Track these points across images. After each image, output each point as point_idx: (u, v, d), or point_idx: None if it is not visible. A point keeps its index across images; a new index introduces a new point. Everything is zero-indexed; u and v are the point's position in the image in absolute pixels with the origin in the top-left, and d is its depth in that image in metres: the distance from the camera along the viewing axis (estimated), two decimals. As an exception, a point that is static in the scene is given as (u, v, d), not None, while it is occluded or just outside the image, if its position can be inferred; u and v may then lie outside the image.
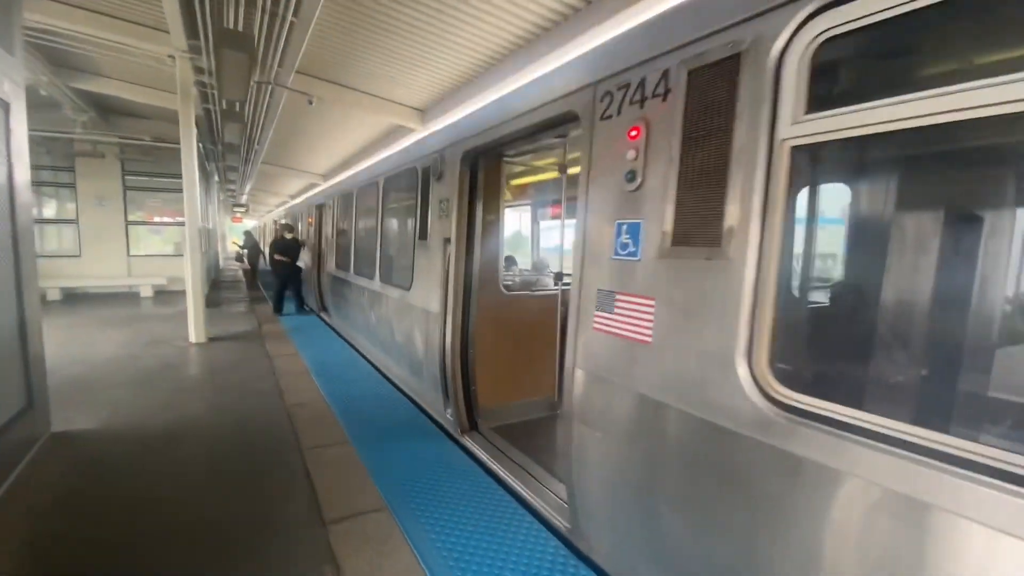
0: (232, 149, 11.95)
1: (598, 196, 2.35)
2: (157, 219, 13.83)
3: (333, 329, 8.72)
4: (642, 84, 2.11)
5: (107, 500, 3.09)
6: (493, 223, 4.05)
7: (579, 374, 2.43)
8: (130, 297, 12.21)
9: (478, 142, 3.63)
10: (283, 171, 18.09)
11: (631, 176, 2.12)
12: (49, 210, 12.86)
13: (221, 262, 22.07)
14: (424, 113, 9.09)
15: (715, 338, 1.78)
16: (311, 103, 8.12)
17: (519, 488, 3.18)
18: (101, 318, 9.41)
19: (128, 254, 12.88)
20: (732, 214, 1.73)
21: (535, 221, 8.59)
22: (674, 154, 1.95)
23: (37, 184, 12.23)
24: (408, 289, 4.89)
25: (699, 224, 1.84)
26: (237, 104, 8.21)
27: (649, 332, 2.03)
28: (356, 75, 8.13)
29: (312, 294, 10.88)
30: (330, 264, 8.53)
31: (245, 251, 18.18)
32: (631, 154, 2.12)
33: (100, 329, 8.32)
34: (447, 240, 4.00)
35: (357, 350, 7.06)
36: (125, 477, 3.38)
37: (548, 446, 3.82)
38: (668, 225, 1.96)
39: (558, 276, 4.48)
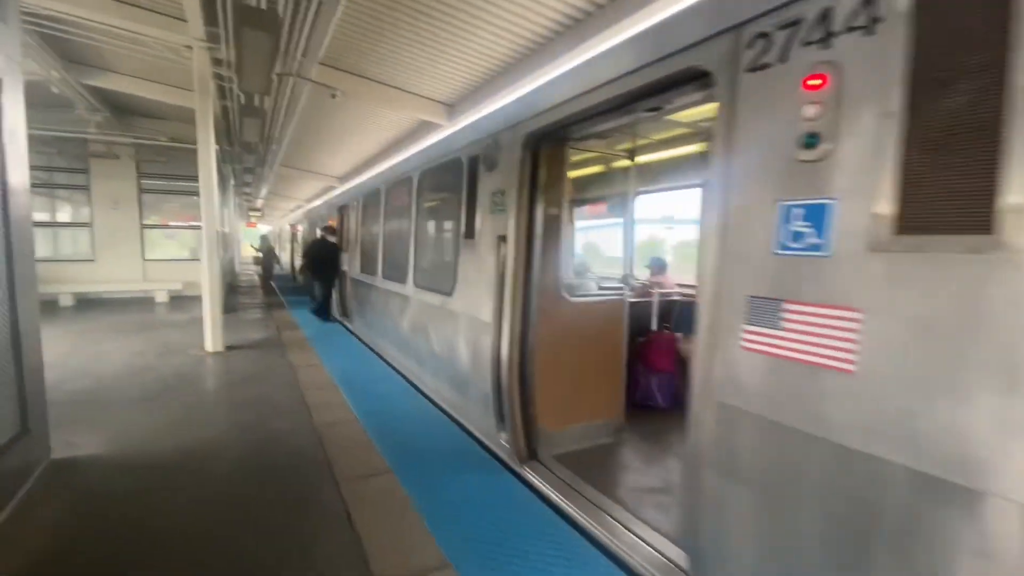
0: (250, 149, 11.56)
1: (745, 171, 1.78)
2: (173, 223, 13.48)
3: (357, 337, 8.21)
4: (826, 17, 1.55)
5: (112, 541, 2.57)
6: (555, 218, 3.49)
7: (715, 408, 1.86)
8: (145, 302, 11.83)
9: (546, 121, 3.09)
10: (299, 174, 17.74)
11: (810, 140, 1.55)
12: (64, 213, 12.57)
13: (237, 266, 21.77)
14: (451, 108, 8.59)
15: (982, 366, 1.20)
16: (335, 97, 7.65)
17: (605, 537, 2.60)
18: (114, 325, 9.00)
19: (143, 258, 12.52)
20: (1017, 185, 1.16)
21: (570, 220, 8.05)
22: (895, 106, 1.37)
23: (50, 186, 11.94)
24: (450, 294, 4.35)
25: (951, 202, 1.27)
26: (257, 98, 7.77)
27: (852, 357, 1.45)
28: (381, 67, 7.65)
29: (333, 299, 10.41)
30: (354, 268, 8.03)
31: (261, 255, 17.79)
32: (811, 111, 1.55)
33: (112, 337, 7.89)
34: (502, 238, 3.46)
35: (385, 360, 6.54)
36: (132, 514, 2.86)
37: (627, 482, 3.25)
38: (888, 205, 1.38)
39: (624, 280, 3.91)
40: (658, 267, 6.03)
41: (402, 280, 5.69)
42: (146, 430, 4.10)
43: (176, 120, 11.75)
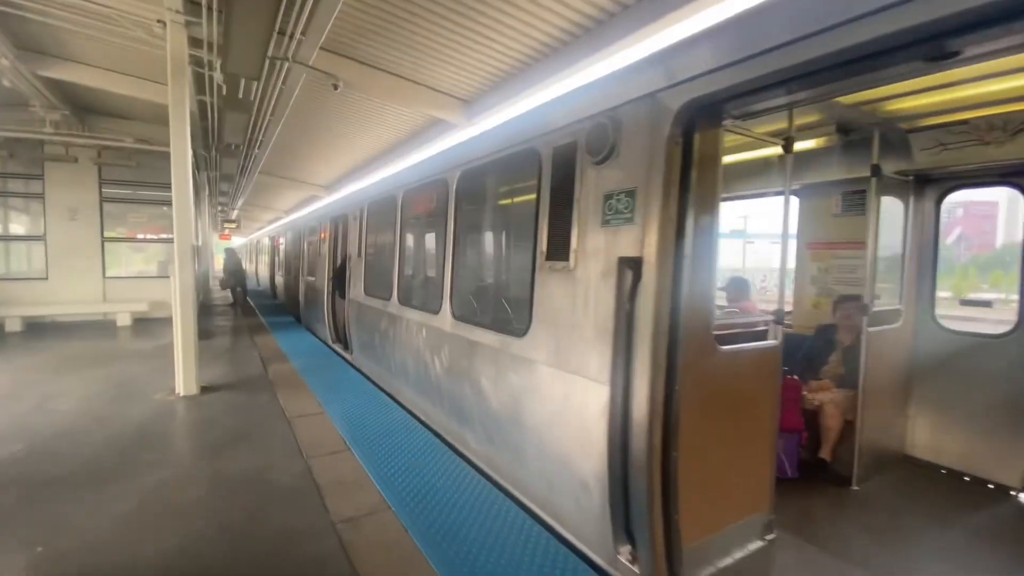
0: (229, 152, 10.27)
1: None
2: (140, 236, 12.00)
3: (357, 370, 6.97)
4: None
5: None
6: (707, 230, 2.39)
7: None
8: (104, 327, 10.33)
9: (721, 84, 2.02)
10: (281, 183, 16.42)
11: None
12: (16, 224, 11.03)
13: (211, 282, 20.13)
14: (469, 105, 7.50)
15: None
16: (336, 88, 6.49)
17: None
18: (65, 357, 7.55)
19: (104, 275, 11.02)
20: None
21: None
22: None
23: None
24: (520, 336, 3.21)
25: None
26: (242, 88, 6.55)
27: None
28: (391, 55, 6.55)
29: (321, 323, 9.11)
30: (357, 289, 6.79)
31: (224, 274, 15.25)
32: None
33: (61, 374, 6.48)
34: (627, 262, 2.35)
35: (400, 403, 5.34)
36: None
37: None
38: None
39: (777, 317, 2.83)
40: (738, 290, 4.99)
41: (432, 309, 4.52)
42: (87, 538, 2.82)
43: (146, 121, 10.44)
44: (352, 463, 3.85)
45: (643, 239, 2.32)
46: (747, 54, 1.98)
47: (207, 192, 16.45)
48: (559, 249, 2.88)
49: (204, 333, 9.33)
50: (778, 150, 3.09)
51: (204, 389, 5.78)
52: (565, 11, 5.25)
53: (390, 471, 3.70)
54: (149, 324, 10.63)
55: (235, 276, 14.43)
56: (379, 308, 5.90)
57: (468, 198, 4.23)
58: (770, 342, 2.83)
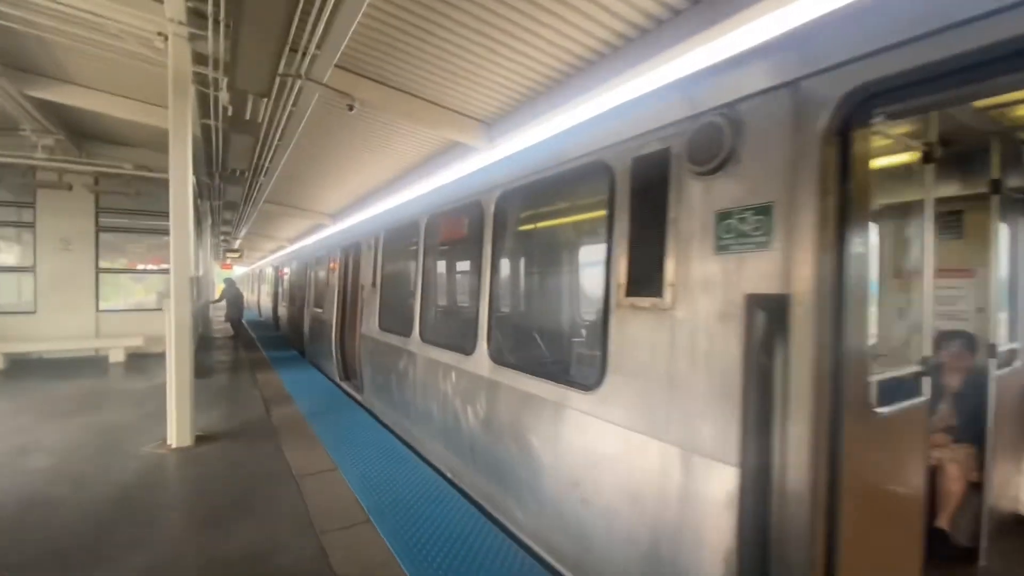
0: (234, 180, 9.81)
1: None
2: (139, 266, 11.47)
3: (369, 412, 6.32)
4: None
5: None
6: (863, 256, 1.81)
7: None
8: (96, 364, 9.68)
9: (908, 63, 1.50)
10: (285, 211, 15.99)
11: None
12: (6, 255, 10.48)
13: (212, 313, 19.52)
14: (490, 127, 7.05)
15: None
16: (352, 109, 6.03)
17: None
18: (50, 399, 6.90)
19: (97, 309, 10.42)
20: None
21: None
22: None
23: (-11, 224, 9.92)
24: (589, 390, 2.61)
25: None
26: (249, 109, 6.10)
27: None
28: (408, 75, 6.12)
29: (328, 359, 8.48)
30: (371, 324, 6.18)
31: (222, 303, 13.96)
32: None
33: (41, 420, 5.83)
34: (760, 300, 1.78)
35: (421, 455, 4.69)
36: None
37: None
38: None
39: (926, 366, 2.24)
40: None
41: (464, 349, 3.92)
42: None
43: (146, 147, 10.02)
44: (374, 540, 3.19)
45: (787, 269, 1.75)
46: (942, 24, 1.45)
47: (210, 221, 16.02)
48: (646, 282, 2.30)
49: (202, 370, 8.70)
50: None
51: (200, 439, 5.12)
52: (607, 20, 4.81)
53: (420, 550, 3.04)
54: (144, 360, 9.98)
55: (235, 308, 13.73)
56: (397, 345, 5.29)
57: (509, 222, 3.70)
58: (920, 398, 2.23)
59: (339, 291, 8.12)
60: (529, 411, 3.09)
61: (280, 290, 16.01)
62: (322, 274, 9.37)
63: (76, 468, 4.39)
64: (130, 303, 11.28)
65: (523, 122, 6.67)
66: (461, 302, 4.80)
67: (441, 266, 5.18)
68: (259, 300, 23.63)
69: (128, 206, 10.54)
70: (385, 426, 5.74)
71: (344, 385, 7.83)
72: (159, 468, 4.45)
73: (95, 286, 10.44)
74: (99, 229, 10.54)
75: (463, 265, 4.69)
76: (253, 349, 12.14)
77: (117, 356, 9.97)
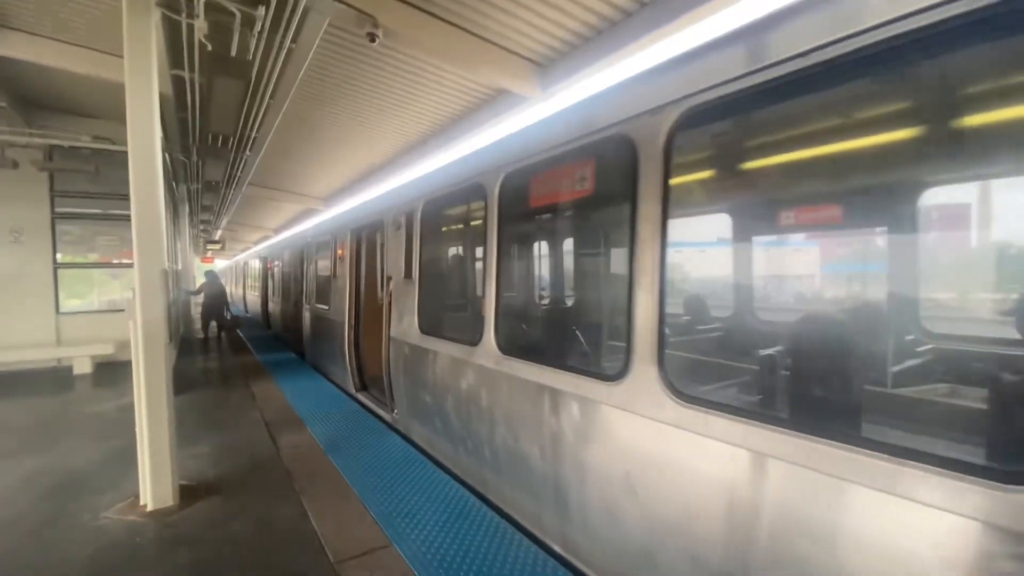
0: (215, 153, 8.21)
1: None
2: (110, 260, 9.81)
3: (402, 435, 4.94)
4: None
5: None
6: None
7: None
8: (56, 377, 8.10)
9: None
10: (273, 195, 14.34)
11: None
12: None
13: (193, 311, 17.82)
14: (545, 71, 5.58)
15: None
16: (374, 39, 4.53)
17: None
18: (-14, 431, 5.39)
19: (57, 311, 8.80)
20: None
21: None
22: None
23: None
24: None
25: None
26: (236, 38, 4.55)
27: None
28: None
29: (339, 365, 7.04)
30: (406, 325, 4.74)
31: (199, 298, 12.36)
32: None
33: (-34, 468, 4.33)
34: None
35: (503, 512, 3.34)
36: None
37: None
38: None
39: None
40: None
41: (594, 371, 2.54)
42: None
43: (107, 118, 8.38)
44: None
45: None
46: None
47: (188, 208, 14.30)
48: None
49: (184, 383, 7.20)
50: None
51: (186, 493, 3.68)
52: None
53: None
54: (116, 370, 8.41)
55: (213, 302, 12.04)
56: (453, 356, 3.87)
57: (673, 172, 2.29)
58: None
59: (351, 283, 6.65)
60: (654, 453, 1.89)
61: (271, 284, 14.38)
62: (326, 263, 7.86)
63: (4, 556, 2.93)
64: (100, 303, 9.66)
65: (581, 66, 5.22)
66: (579, 297, 3.48)
67: (527, 245, 3.79)
68: (244, 295, 21.86)
69: (90, 188, 8.89)
70: (429, 457, 4.36)
71: (362, 398, 6.40)
72: (125, 551, 3.00)
73: (54, 285, 8.79)
74: (56, 217, 8.86)
75: (579, 243, 3.34)
76: (243, 352, 10.60)
77: (83, 367, 8.39)
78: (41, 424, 5.69)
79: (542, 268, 4.92)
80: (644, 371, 2.20)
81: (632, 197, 2.25)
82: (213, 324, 12.05)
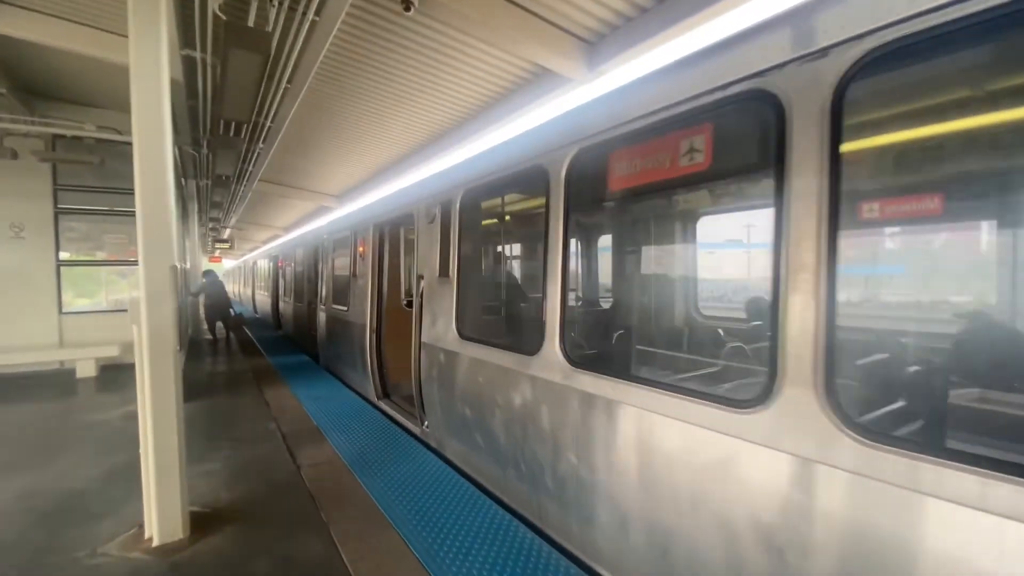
0: (226, 145, 7.75)
1: None
2: (114, 258, 9.36)
3: (427, 446, 4.45)
4: None
5: None
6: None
7: None
8: (59, 381, 7.66)
9: None
10: (284, 192, 13.91)
11: None
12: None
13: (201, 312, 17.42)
14: (593, 48, 5.06)
15: None
16: (409, 7, 4.04)
17: None
18: (-21, 442, 4.93)
19: (59, 311, 8.37)
20: None
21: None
22: None
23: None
24: None
25: None
26: (254, 8, 4.07)
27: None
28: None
29: (359, 371, 6.56)
30: (441, 329, 4.22)
31: (199, 299, 11.81)
32: None
33: (-48, 487, 3.87)
34: None
35: (558, 544, 2.83)
36: None
37: None
38: None
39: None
40: None
41: (647, 377, 2.04)
42: None
43: (115, 108, 7.95)
44: None
45: None
46: None
47: (196, 206, 13.89)
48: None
49: (193, 388, 6.75)
50: None
51: (196, 524, 3.19)
52: None
53: None
54: (121, 374, 7.96)
55: (218, 307, 11.55)
56: (502, 366, 3.35)
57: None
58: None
59: (374, 283, 6.16)
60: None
61: (282, 284, 13.93)
62: (343, 261, 7.38)
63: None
64: (109, 302, 9.21)
65: (634, 41, 4.70)
66: (685, 301, 2.96)
67: (616, 237, 3.27)
68: (254, 295, 21.44)
69: (95, 182, 8.45)
70: (468, 477, 3.86)
71: (385, 407, 5.91)
72: (126, 605, 2.51)
73: (56, 283, 8.36)
74: (59, 212, 8.43)
75: (684, 232, 2.83)
76: (254, 354, 10.14)
77: (86, 370, 7.94)
78: (39, 434, 5.23)
79: (629, 264, 4.23)
80: (798, 396, 1.67)
81: (779, 169, 1.73)
82: (219, 325, 11.61)
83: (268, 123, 7.24)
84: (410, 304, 7.11)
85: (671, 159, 2.25)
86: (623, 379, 2.41)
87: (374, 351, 6.13)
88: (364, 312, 6.27)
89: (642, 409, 2.27)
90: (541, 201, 3.02)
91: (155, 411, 2.94)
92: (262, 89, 6.16)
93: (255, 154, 8.84)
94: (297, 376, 7.85)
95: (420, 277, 4.72)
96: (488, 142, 4.29)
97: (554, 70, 5.07)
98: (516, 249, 4.01)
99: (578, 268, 3.41)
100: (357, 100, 7.32)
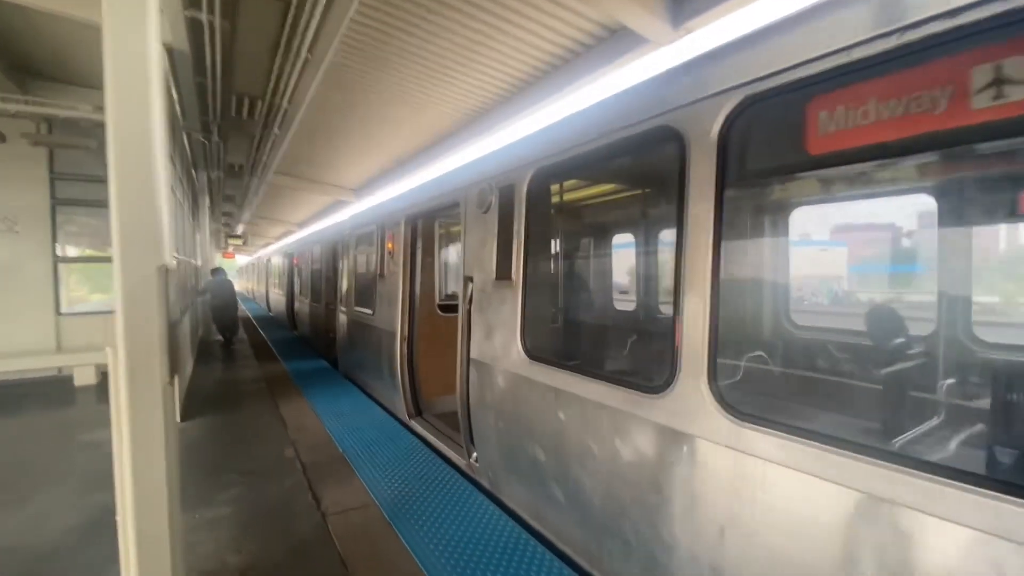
0: (238, 128, 6.98)
1: None
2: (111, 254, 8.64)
3: (477, 485, 3.64)
4: None
5: None
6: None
7: None
8: (54, 389, 6.95)
9: None
10: (300, 186, 13.15)
11: None
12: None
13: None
14: (680, 5, 4.16)
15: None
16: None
17: None
18: (-53, 472, 4.19)
19: (57, 312, 7.65)
20: None
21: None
22: None
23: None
24: None
25: None
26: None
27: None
28: None
29: (388, 384, 5.76)
30: (497, 344, 3.36)
31: (205, 297, 10.92)
32: None
33: None
34: None
35: None
36: None
37: None
38: None
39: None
40: None
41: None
42: None
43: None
44: None
45: None
46: None
47: (208, 200, 13.19)
48: None
49: (197, 402, 5.99)
50: None
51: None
52: None
53: None
54: (122, 382, 7.22)
55: (224, 310, 10.62)
56: (604, 404, 2.47)
57: None
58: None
59: (405, 284, 5.33)
60: None
61: (297, 282, 13.19)
62: (370, 259, 6.56)
63: None
64: (107, 302, 8.49)
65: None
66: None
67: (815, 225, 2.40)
68: (268, 294, 20.77)
69: (96, 171, 7.71)
70: (536, 534, 3.02)
71: (418, 428, 5.09)
72: None
73: (53, 281, 7.64)
74: (56, 203, 7.71)
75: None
76: (268, 358, 9.39)
77: (86, 377, 7.22)
78: (18, 459, 4.48)
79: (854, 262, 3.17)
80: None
81: None
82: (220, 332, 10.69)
83: (285, 104, 6.45)
84: (445, 309, 6.29)
85: (929, 100, 1.38)
86: (848, 450, 1.54)
87: (405, 363, 5.31)
88: (393, 317, 5.45)
89: (902, 506, 1.40)
90: (664, 177, 2.14)
91: (137, 472, 2.13)
92: (278, 62, 5.36)
93: (270, 141, 8.06)
94: (315, 386, 7.07)
95: (468, 279, 3.86)
96: (547, 116, 3.41)
97: (631, 27, 4.17)
98: (617, 243, 3.14)
99: (737, 270, 2.54)
100: (386, 75, 6.49)
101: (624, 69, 4.67)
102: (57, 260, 7.67)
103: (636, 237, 2.99)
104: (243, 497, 3.67)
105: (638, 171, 2.79)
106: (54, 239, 7.64)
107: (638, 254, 3.09)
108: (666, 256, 2.79)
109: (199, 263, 12.17)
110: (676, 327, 2.09)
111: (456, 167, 4.40)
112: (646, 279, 2.88)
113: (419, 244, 5.41)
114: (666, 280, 2.69)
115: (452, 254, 6.58)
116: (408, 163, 10.25)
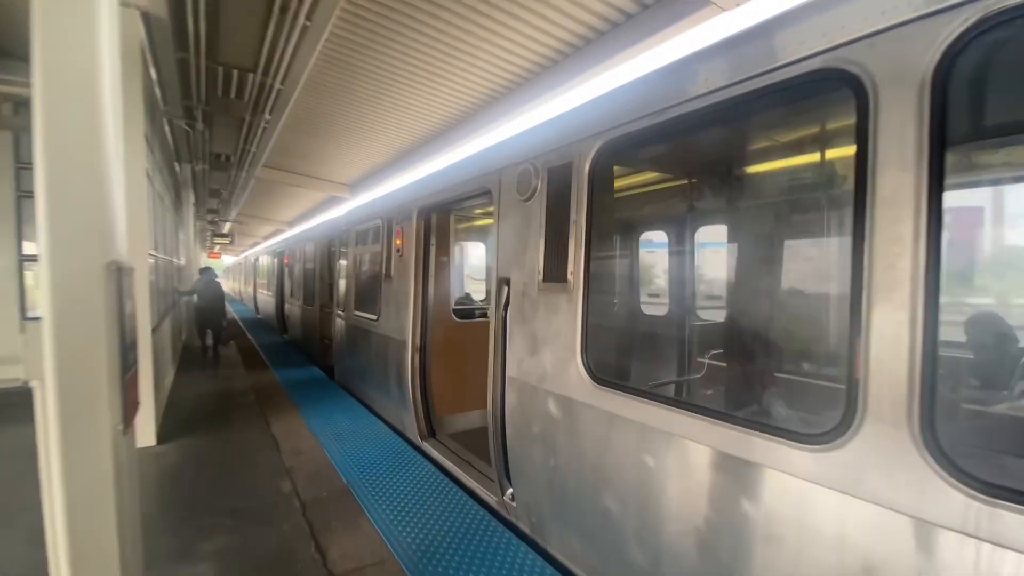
0: (226, 110, 6.28)
1: None
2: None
3: (510, 526, 3.01)
4: None
5: None
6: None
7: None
8: (16, 404, 6.14)
9: None
10: (291, 179, 12.40)
11: None
12: None
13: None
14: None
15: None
16: None
17: None
18: None
19: (21, 315, 6.88)
20: None
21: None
22: None
23: None
24: None
25: None
26: None
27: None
28: None
29: (396, 400, 5.10)
30: (547, 364, 2.70)
31: (191, 298, 9.98)
32: None
33: None
34: None
35: None
36: None
37: None
38: None
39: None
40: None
41: None
42: None
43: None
44: None
45: None
46: None
47: (192, 195, 12.40)
48: None
49: (176, 420, 5.29)
50: None
51: None
52: None
53: None
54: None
55: (212, 313, 9.72)
56: (729, 455, 1.82)
57: None
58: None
59: (417, 286, 4.67)
60: None
61: (288, 283, 12.41)
62: (372, 258, 5.88)
63: None
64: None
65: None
66: None
67: None
68: (255, 296, 19.90)
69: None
70: None
71: (431, 451, 4.42)
72: None
73: (18, 282, 6.86)
74: (22, 195, 6.93)
75: None
76: (256, 365, 8.65)
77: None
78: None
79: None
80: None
81: None
82: (208, 332, 9.79)
83: (278, 84, 5.75)
84: (461, 315, 5.63)
85: None
86: None
87: (418, 377, 4.64)
88: (403, 325, 4.78)
89: None
90: (816, 141, 1.50)
91: (76, 564, 1.45)
92: (271, 31, 4.67)
93: (260, 129, 7.34)
94: (310, 398, 6.38)
95: (503, 281, 3.21)
96: (583, 93, 2.78)
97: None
98: (735, 234, 2.50)
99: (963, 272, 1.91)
100: (391, 48, 5.82)
101: (679, 36, 4.05)
102: (23, 259, 6.88)
103: (763, 226, 2.35)
104: (229, 550, 2.98)
105: (773, 134, 2.16)
106: (19, 235, 6.86)
107: (767, 247, 2.43)
108: (813, 252, 2.15)
109: (182, 262, 11.37)
110: (855, 350, 1.45)
111: (484, 148, 3.74)
112: (784, 282, 2.25)
113: (433, 240, 4.75)
114: (816, 283, 2.06)
115: (468, 251, 5.91)
116: (412, 155, 9.56)
